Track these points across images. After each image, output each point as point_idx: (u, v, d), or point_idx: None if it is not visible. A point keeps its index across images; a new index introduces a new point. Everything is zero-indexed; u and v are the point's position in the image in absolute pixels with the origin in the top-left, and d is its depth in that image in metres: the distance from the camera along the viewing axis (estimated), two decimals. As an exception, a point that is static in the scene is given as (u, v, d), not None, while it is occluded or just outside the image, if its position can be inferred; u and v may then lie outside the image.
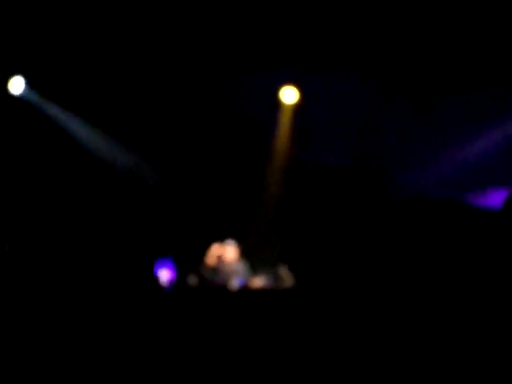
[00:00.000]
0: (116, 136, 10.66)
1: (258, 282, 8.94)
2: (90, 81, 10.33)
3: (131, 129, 10.54)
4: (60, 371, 5.95)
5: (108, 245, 9.58)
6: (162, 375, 6.14)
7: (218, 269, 9.15)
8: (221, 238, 9.40)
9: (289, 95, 10.42)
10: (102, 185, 10.69)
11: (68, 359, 6.08)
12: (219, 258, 9.24)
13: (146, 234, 10.13)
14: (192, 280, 8.94)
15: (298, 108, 10.37)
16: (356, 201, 9.90)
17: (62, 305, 6.65)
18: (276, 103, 10.40)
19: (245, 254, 9.40)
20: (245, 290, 8.77)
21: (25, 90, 10.55)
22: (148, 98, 10.45)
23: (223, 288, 8.77)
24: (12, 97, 10.53)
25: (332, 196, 10.03)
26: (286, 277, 8.72)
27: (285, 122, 10.52)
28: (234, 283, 8.93)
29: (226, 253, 9.31)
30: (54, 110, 10.61)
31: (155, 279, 8.84)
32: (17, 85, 10.52)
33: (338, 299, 6.27)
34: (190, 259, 9.36)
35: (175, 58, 10.13)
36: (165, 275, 8.97)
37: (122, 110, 10.49)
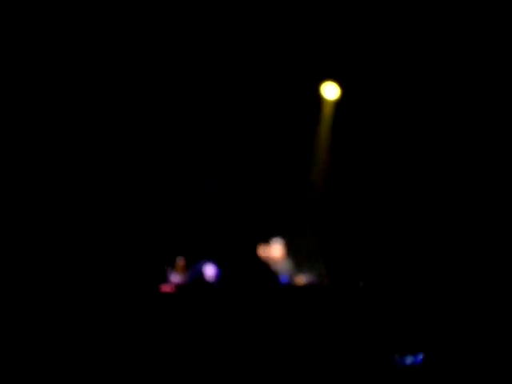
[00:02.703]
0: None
1: (303, 279, 8.99)
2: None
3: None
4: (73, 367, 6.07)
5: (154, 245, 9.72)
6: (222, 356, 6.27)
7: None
8: (266, 238, 9.47)
9: (330, 91, 10.40)
10: (150, 184, 10.80)
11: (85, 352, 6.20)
12: (268, 258, 9.30)
13: (190, 235, 10.23)
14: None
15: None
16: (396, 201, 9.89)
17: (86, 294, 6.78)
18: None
19: (290, 252, 9.45)
20: (290, 286, 8.84)
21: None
22: (202, 104, 10.54)
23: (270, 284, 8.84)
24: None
25: (374, 196, 10.03)
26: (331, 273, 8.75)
27: (326, 118, 10.51)
28: (279, 280, 8.99)
29: (272, 251, 9.37)
30: None
31: (201, 275, 8.96)
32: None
33: (379, 297, 6.30)
34: (236, 259, 9.44)
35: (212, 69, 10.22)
36: (210, 270, 9.07)
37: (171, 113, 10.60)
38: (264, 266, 8.64)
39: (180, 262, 9.50)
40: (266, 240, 9.46)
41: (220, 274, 9.00)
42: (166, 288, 8.50)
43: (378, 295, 6.64)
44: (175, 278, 9.28)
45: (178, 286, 8.84)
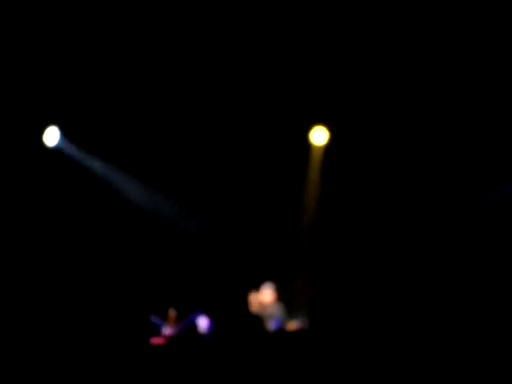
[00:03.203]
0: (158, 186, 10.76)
1: (294, 324, 8.97)
2: (129, 131, 10.47)
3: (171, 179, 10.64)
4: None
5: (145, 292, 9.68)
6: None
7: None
8: (257, 284, 9.45)
9: (319, 136, 10.41)
10: (140, 235, 10.78)
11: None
12: (260, 304, 9.26)
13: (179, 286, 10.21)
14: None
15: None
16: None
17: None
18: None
19: (281, 297, 9.44)
20: (281, 331, 8.81)
21: (60, 141, 10.64)
22: (189, 152, 10.56)
23: (260, 330, 8.81)
24: (46, 148, 10.62)
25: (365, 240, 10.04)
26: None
27: (315, 163, 10.49)
28: (271, 325, 8.96)
29: (263, 296, 9.35)
30: (90, 161, 10.70)
31: (195, 327, 8.91)
32: (52, 136, 10.59)
33: (371, 342, 6.30)
34: (227, 308, 9.42)
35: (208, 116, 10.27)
36: (203, 323, 9.03)
37: (160, 160, 10.61)
38: (255, 317, 8.65)
39: (171, 313, 9.48)
40: (256, 285, 9.45)
41: (212, 327, 8.96)
42: (156, 341, 8.46)
43: (367, 342, 6.65)
44: (166, 330, 9.23)
45: (169, 339, 8.80)
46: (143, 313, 9.41)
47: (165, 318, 9.43)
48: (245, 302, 9.18)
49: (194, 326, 8.93)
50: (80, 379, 6.52)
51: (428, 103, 9.77)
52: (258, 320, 8.81)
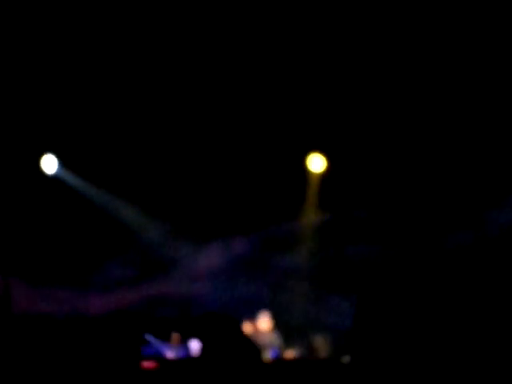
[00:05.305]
0: (149, 210, 10.80)
1: (292, 352, 8.95)
2: (122, 158, 10.49)
3: (164, 203, 10.67)
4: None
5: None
6: None
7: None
8: (253, 312, 9.44)
9: (316, 163, 10.42)
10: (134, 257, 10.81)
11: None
12: (256, 332, 9.23)
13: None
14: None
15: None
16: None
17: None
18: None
19: (278, 324, 9.43)
20: (279, 360, 8.78)
21: (58, 169, 10.66)
22: (183, 179, 10.58)
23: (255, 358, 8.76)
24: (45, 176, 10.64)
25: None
26: (321, 347, 8.72)
27: (312, 190, 10.50)
28: (268, 354, 8.94)
29: (260, 324, 9.33)
30: (88, 189, 10.72)
31: (187, 350, 8.90)
32: (50, 163, 10.60)
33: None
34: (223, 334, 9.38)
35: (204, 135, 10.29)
36: (196, 345, 9.00)
37: (153, 184, 10.64)
38: (250, 343, 8.60)
39: (175, 336, 9.45)
40: (252, 313, 9.44)
41: (205, 350, 8.93)
42: (147, 364, 8.42)
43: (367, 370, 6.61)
44: (169, 352, 9.20)
45: (165, 361, 8.76)
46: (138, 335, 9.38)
47: (167, 340, 9.40)
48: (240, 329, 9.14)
49: (188, 350, 8.93)
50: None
51: (422, 130, 9.80)
52: (254, 348, 8.77)
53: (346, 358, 7.51)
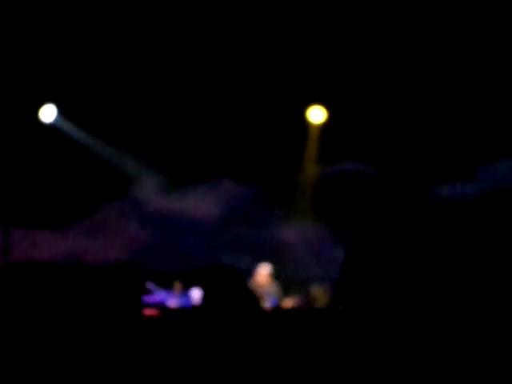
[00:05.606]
0: (147, 160, 10.79)
1: (290, 302, 8.98)
2: (122, 107, 10.45)
3: (162, 155, 10.66)
4: None
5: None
6: None
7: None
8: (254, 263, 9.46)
9: (316, 115, 10.41)
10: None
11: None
12: (256, 283, 9.24)
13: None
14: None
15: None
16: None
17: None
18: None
19: (277, 274, 9.45)
20: (277, 310, 8.81)
21: (56, 118, 10.64)
22: (184, 133, 10.56)
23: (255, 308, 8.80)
24: (43, 125, 10.62)
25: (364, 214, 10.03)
26: (319, 296, 8.74)
27: (312, 142, 10.49)
28: (267, 303, 8.97)
29: (259, 274, 9.35)
30: (86, 138, 10.71)
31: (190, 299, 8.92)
32: (48, 113, 10.59)
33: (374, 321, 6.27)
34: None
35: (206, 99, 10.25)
36: (197, 293, 9.03)
37: (153, 136, 10.61)
38: (251, 294, 8.63)
39: (177, 285, 9.48)
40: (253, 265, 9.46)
41: (206, 298, 8.97)
42: (149, 311, 8.43)
43: (362, 319, 6.63)
44: (172, 301, 9.23)
45: (165, 309, 8.80)
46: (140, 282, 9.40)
47: (171, 289, 9.43)
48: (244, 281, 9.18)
49: (190, 299, 8.96)
50: (66, 355, 6.48)
51: (418, 82, 9.77)
52: (254, 298, 8.81)
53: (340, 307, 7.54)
